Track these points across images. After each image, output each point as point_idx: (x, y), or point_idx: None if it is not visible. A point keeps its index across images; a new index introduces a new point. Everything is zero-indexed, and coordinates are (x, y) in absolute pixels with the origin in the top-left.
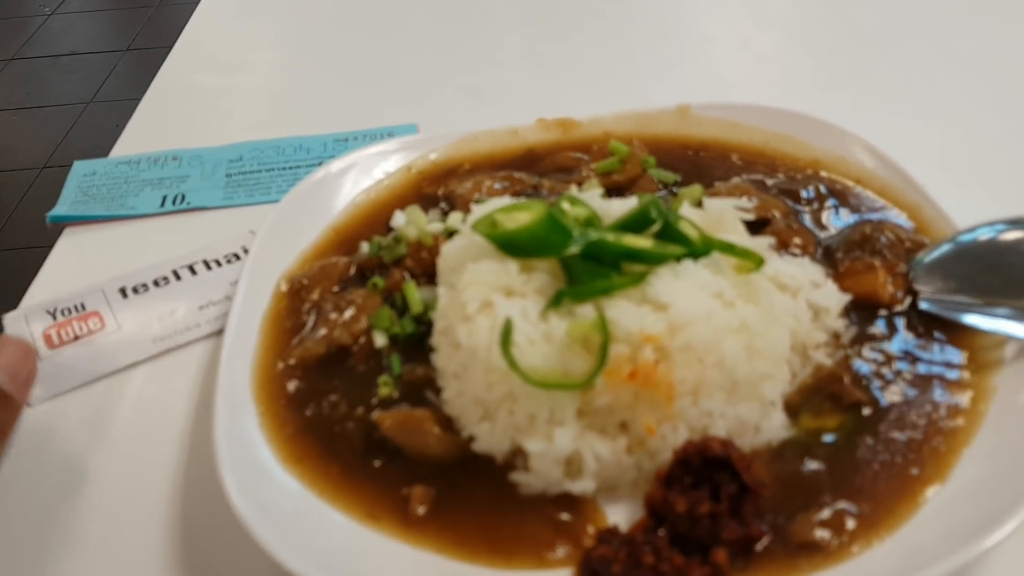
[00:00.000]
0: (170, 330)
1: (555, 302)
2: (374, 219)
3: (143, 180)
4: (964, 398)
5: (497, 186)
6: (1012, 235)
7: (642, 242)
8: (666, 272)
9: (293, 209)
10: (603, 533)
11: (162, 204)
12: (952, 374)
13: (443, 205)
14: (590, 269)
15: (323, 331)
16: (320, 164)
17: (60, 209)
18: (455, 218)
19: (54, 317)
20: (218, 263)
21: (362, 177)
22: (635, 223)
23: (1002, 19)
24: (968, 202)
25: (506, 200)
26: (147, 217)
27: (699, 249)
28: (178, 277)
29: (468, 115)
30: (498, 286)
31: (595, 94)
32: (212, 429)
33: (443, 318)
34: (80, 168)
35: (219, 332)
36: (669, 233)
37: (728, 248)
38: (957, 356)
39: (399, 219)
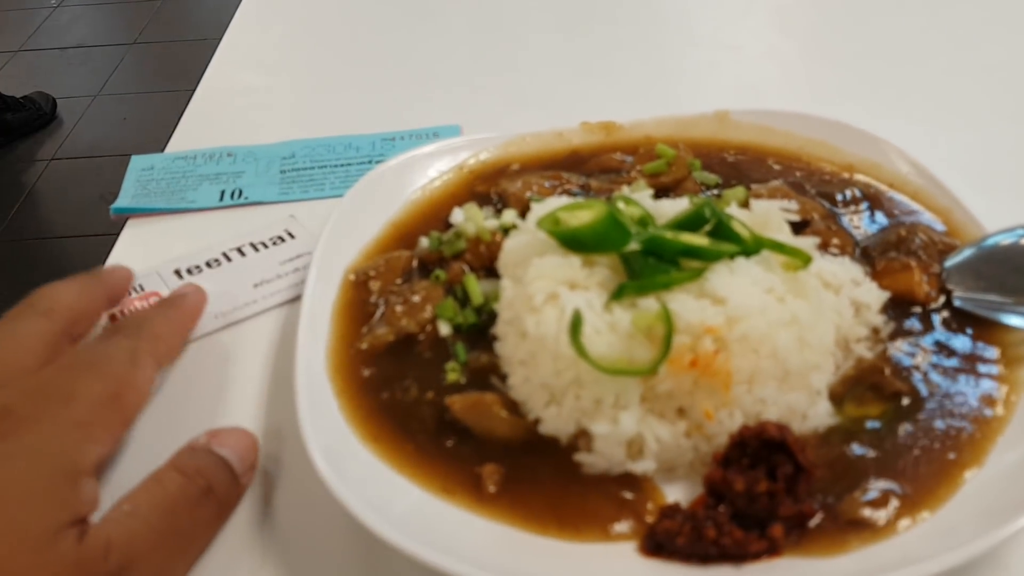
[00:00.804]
0: (229, 306)
1: (618, 295)
2: (431, 215)
3: (200, 175)
4: (997, 390)
5: (547, 184)
6: None
7: (698, 240)
8: (722, 268)
9: (354, 205)
10: (666, 509)
11: (221, 198)
12: (985, 368)
13: (496, 203)
14: (650, 264)
15: (391, 320)
16: (369, 162)
17: (122, 202)
18: (509, 215)
19: None
20: (264, 245)
21: (417, 175)
22: (690, 222)
23: (1013, 29)
24: (995, 206)
25: (563, 200)
26: (206, 210)
27: (751, 247)
28: (228, 259)
29: (508, 117)
30: (562, 279)
31: (630, 98)
32: (296, 407)
33: (509, 309)
34: (138, 163)
35: (275, 307)
36: (722, 232)
37: (778, 247)
38: (990, 351)
39: (458, 216)
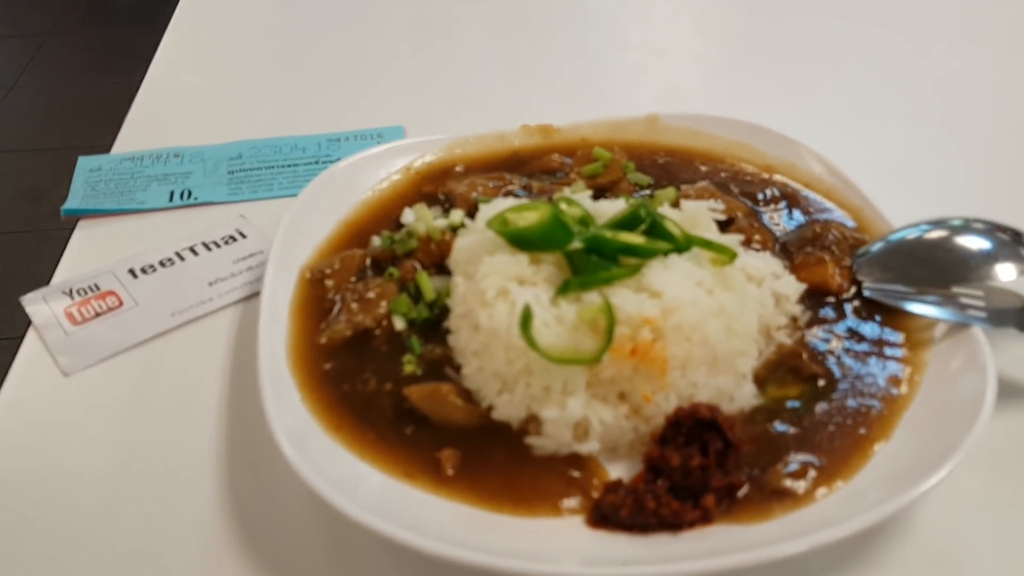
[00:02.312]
0: (185, 304)
1: (563, 290)
2: (381, 215)
3: (148, 176)
4: (903, 371)
5: (491, 185)
6: (934, 234)
7: (635, 238)
8: (657, 264)
9: (307, 205)
10: (610, 484)
11: (170, 199)
12: (892, 351)
13: (444, 202)
14: (592, 261)
15: (348, 316)
16: (316, 162)
17: (72, 203)
18: (457, 214)
19: (71, 297)
20: (216, 244)
21: (366, 176)
22: (627, 222)
23: (924, 36)
24: (901, 202)
25: (509, 201)
26: (157, 211)
27: (682, 244)
28: (182, 258)
29: (449, 118)
30: (512, 276)
31: (566, 100)
32: (261, 399)
33: (462, 303)
34: (85, 163)
35: (231, 305)
36: (656, 230)
37: (707, 244)
38: (896, 336)
39: (408, 216)
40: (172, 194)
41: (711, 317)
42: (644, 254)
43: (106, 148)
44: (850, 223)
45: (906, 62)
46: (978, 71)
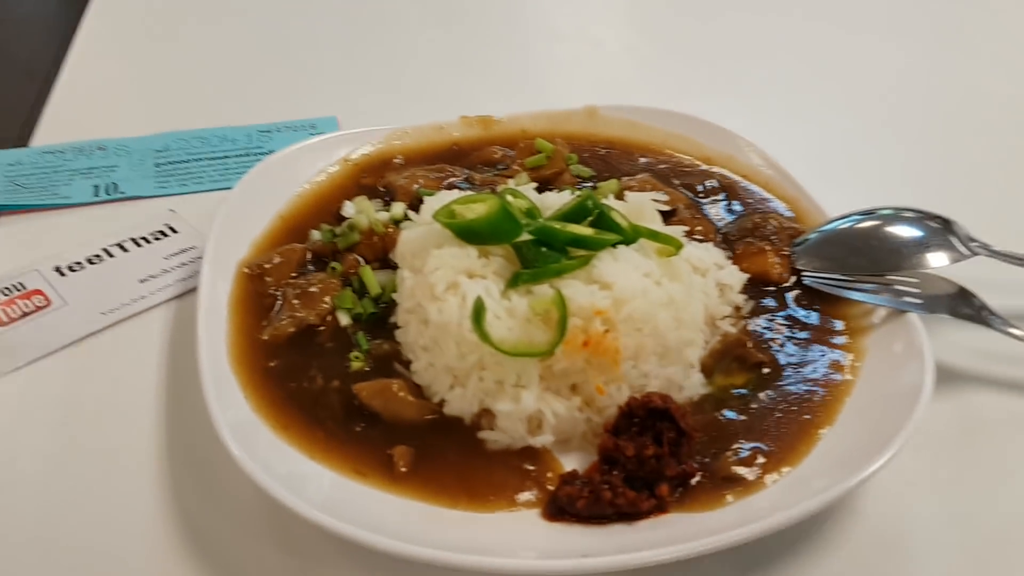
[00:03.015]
0: (116, 303)
1: (514, 282)
2: (319, 208)
3: (72, 170)
4: (844, 357)
5: (432, 177)
6: (866, 224)
7: (584, 230)
8: (606, 256)
9: (242, 199)
10: (566, 476)
11: (95, 193)
12: (833, 338)
13: (384, 195)
14: (542, 253)
15: (290, 312)
16: (247, 154)
17: None
18: (399, 207)
19: None
20: (146, 240)
21: (303, 169)
22: (575, 213)
23: (855, 30)
24: (836, 191)
25: (455, 193)
26: (81, 206)
27: (630, 236)
28: (110, 255)
29: (384, 108)
30: (461, 269)
31: (503, 90)
32: (204, 399)
33: (410, 298)
34: (3, 158)
35: (164, 303)
36: (604, 222)
37: (653, 235)
38: (836, 323)
39: (349, 209)
40: (97, 188)
41: (660, 308)
42: (593, 245)
43: (18, 141)
44: (788, 213)
45: (838, 54)
46: (908, 64)
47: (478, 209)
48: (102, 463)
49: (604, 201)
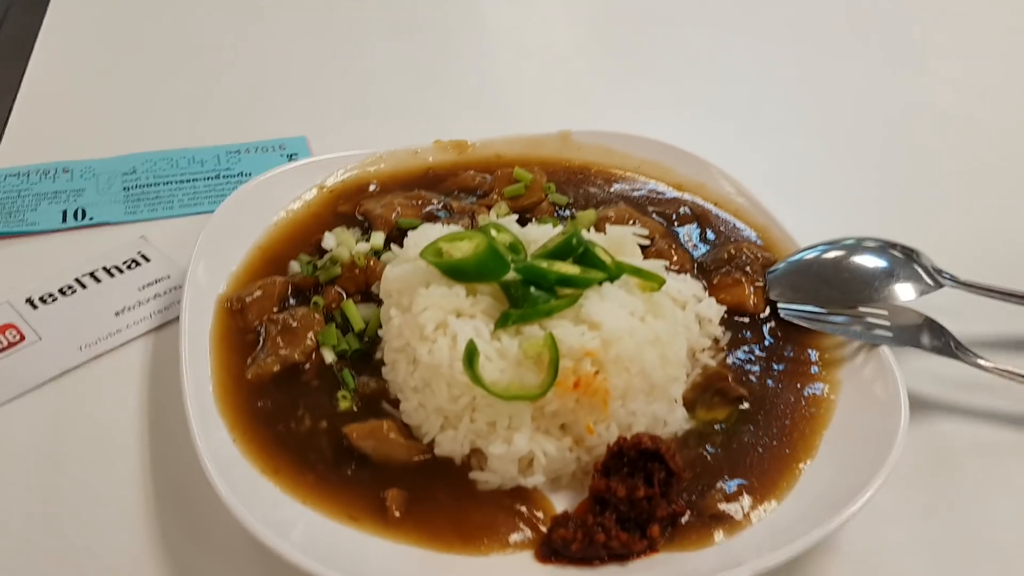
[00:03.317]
0: (92, 337)
1: (503, 322)
2: (297, 237)
3: (37, 194)
4: (820, 390)
5: (410, 205)
6: (832, 254)
7: (571, 268)
8: (593, 295)
9: (218, 229)
10: (558, 518)
11: (63, 219)
12: (808, 370)
13: (363, 223)
14: (529, 293)
15: (273, 349)
16: (217, 176)
17: None
18: (378, 237)
19: None
20: (119, 269)
21: (278, 196)
22: (560, 251)
23: (823, 54)
24: (805, 217)
25: (438, 228)
26: (49, 233)
27: (613, 272)
28: (83, 286)
29: (353, 128)
30: (450, 308)
31: (472, 109)
32: (193, 442)
33: (398, 337)
34: None
35: (142, 336)
36: (588, 259)
37: (636, 271)
38: (811, 354)
39: (329, 241)
40: (65, 214)
41: (647, 346)
42: (580, 284)
43: None
44: (758, 241)
45: (802, 72)
46: (872, 88)
47: (465, 248)
48: (85, 507)
49: (586, 236)
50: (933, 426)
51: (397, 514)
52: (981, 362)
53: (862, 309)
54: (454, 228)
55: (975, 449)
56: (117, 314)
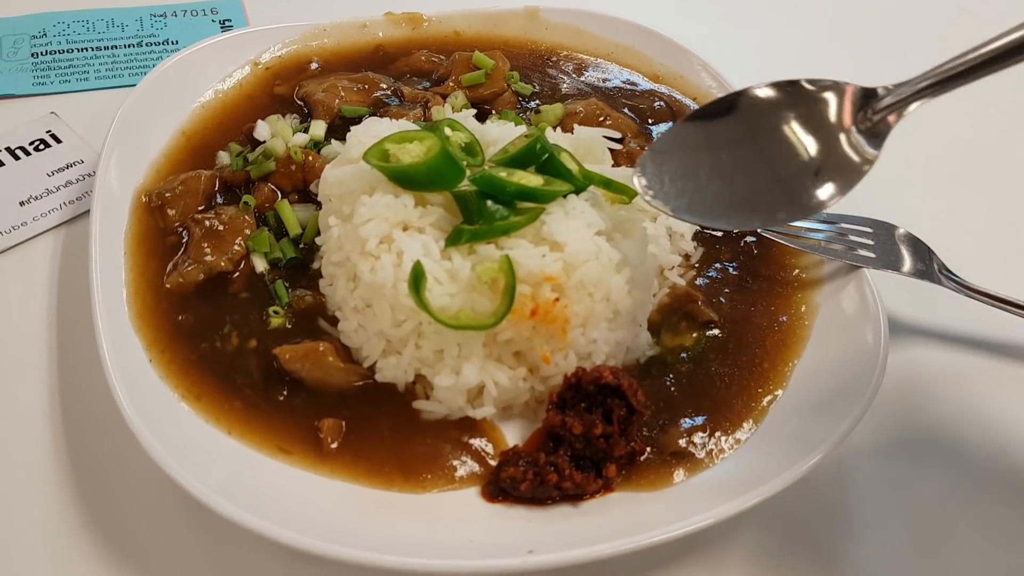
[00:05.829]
0: None
1: (456, 239)
2: (228, 123)
3: None
4: (795, 315)
5: (355, 89)
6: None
7: (533, 179)
8: (557, 209)
9: (137, 110)
10: (507, 454)
11: None
12: (784, 293)
13: (303, 108)
14: (486, 207)
15: (198, 256)
16: (139, 44)
17: None
18: (319, 127)
19: None
20: (25, 151)
21: (207, 73)
22: (522, 159)
23: None
24: None
25: (385, 124)
26: None
27: (581, 184)
28: None
29: None
30: (396, 221)
31: None
32: (104, 369)
33: (338, 250)
34: None
35: (51, 230)
36: (553, 167)
37: (606, 183)
38: (788, 274)
39: (263, 131)
40: None
41: (613, 270)
42: (543, 198)
43: None
44: None
45: None
46: None
47: (415, 151)
48: None
49: (552, 139)
50: (907, 351)
51: (333, 446)
52: (969, 288)
53: (845, 226)
54: (404, 124)
55: (946, 376)
56: (22, 204)
